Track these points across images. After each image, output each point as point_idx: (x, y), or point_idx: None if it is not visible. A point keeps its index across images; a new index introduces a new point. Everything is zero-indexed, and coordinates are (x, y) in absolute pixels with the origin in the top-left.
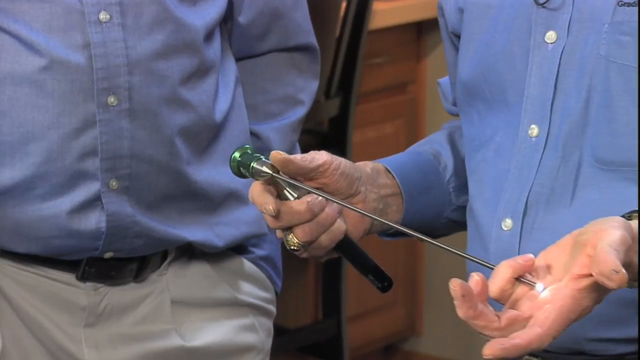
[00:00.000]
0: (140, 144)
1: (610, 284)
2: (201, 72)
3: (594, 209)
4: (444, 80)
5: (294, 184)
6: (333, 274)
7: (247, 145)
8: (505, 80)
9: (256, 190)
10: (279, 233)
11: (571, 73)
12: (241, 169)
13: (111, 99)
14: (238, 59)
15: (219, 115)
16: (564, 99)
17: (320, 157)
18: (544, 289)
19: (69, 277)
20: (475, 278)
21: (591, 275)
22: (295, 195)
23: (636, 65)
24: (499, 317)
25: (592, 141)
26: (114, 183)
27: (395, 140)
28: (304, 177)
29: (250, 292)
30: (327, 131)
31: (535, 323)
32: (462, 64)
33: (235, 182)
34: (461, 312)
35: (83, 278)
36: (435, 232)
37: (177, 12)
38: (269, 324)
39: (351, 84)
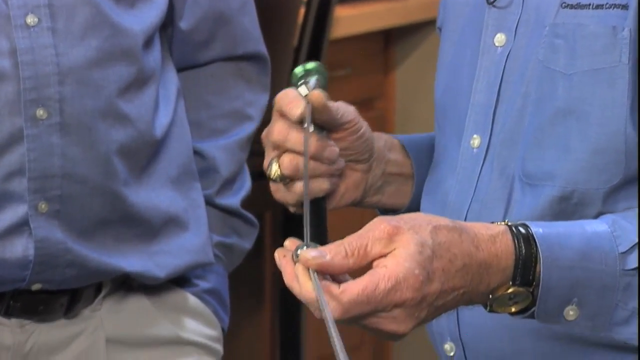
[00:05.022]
0: (72, 162)
1: None
2: (140, 82)
3: None
4: None
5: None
6: (291, 318)
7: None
8: (456, 87)
9: (292, 93)
10: (268, 155)
11: (513, 79)
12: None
13: (40, 112)
14: (180, 70)
15: (159, 130)
16: (505, 107)
17: (349, 114)
18: None
19: None
20: None
21: None
22: None
23: (565, 70)
24: None
25: (522, 153)
26: (43, 206)
27: None
28: (328, 129)
29: (194, 329)
30: None
31: None
32: (437, 80)
33: (176, 207)
34: None
35: (8, 314)
36: None
37: (114, 16)
38: None
39: None
